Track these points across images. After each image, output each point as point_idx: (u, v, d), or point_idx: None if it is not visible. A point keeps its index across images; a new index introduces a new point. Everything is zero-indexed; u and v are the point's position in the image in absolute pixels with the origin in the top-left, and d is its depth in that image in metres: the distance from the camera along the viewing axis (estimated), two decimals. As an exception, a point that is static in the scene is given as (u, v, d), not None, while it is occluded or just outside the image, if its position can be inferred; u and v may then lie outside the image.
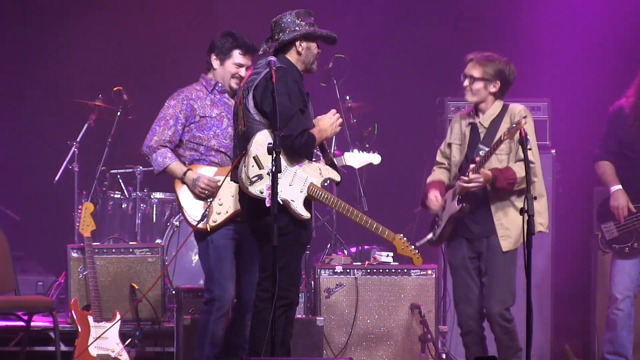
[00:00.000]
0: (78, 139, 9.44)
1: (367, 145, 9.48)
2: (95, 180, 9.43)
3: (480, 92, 6.84)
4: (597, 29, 9.46)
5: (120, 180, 9.63)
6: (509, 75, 6.83)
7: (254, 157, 6.29)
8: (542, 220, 6.74)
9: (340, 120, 6.51)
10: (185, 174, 6.92)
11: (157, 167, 7.03)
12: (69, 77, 10.18)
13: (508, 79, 6.83)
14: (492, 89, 6.82)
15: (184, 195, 6.92)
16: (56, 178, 9.45)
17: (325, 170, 6.43)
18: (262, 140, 6.26)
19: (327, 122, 6.44)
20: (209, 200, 6.85)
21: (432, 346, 7.89)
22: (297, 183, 6.32)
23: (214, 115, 6.97)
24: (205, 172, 6.92)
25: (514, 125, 6.45)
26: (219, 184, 6.75)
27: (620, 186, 7.53)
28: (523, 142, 6.06)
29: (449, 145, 7.00)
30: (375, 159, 6.93)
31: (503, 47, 9.46)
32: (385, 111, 9.84)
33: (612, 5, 9.53)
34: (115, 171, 9.64)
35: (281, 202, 6.18)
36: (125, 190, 9.58)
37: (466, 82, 6.85)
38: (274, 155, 5.93)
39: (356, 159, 6.89)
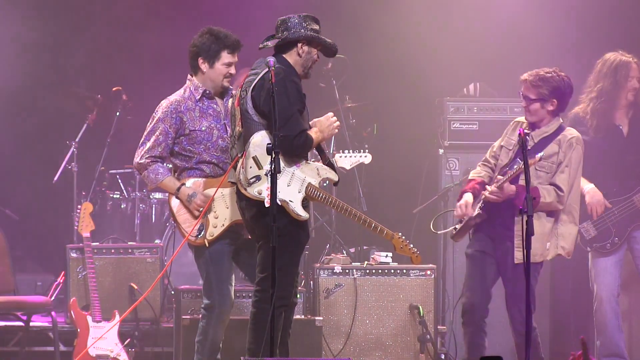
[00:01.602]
0: (77, 139, 9.44)
1: (366, 146, 9.50)
2: (94, 180, 9.43)
3: (539, 113, 6.84)
4: (598, 29, 9.45)
5: (120, 181, 9.63)
6: (564, 89, 6.81)
7: (253, 158, 6.28)
8: (563, 244, 6.83)
9: (338, 122, 6.51)
10: (179, 189, 6.84)
11: (150, 184, 6.94)
12: (70, 77, 10.18)
13: (565, 93, 6.82)
14: (550, 108, 6.82)
15: (179, 210, 6.86)
16: (55, 178, 9.45)
17: (323, 170, 6.44)
18: (260, 141, 6.26)
19: (325, 124, 6.44)
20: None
21: (431, 346, 7.90)
22: (295, 183, 6.32)
23: (203, 128, 6.84)
24: (195, 184, 6.86)
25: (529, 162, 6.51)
26: (212, 196, 6.71)
27: (592, 185, 7.54)
28: (523, 143, 6.06)
29: (501, 147, 7.02)
30: (365, 158, 6.91)
31: (504, 48, 9.51)
32: (384, 111, 9.84)
33: (613, 6, 9.52)
34: (115, 171, 9.64)
35: (279, 203, 6.18)
36: (124, 191, 9.58)
37: (524, 103, 6.86)
38: (273, 155, 5.91)
39: (347, 159, 6.87)
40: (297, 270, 6.47)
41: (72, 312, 7.96)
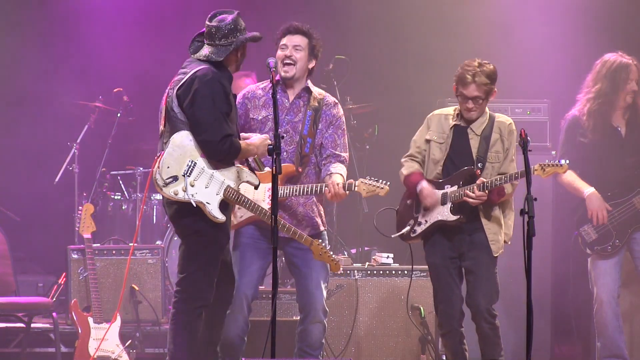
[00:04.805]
0: (78, 140, 9.45)
1: (367, 147, 9.50)
2: (95, 182, 9.45)
3: (484, 107, 6.75)
4: (598, 29, 9.46)
5: (121, 182, 9.64)
6: (496, 73, 6.69)
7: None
8: (507, 231, 6.75)
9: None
10: None
11: None
12: (70, 78, 10.18)
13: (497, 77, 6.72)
14: (491, 98, 6.74)
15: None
16: (56, 179, 9.46)
17: (244, 174, 6.39)
18: (179, 141, 6.23)
19: (261, 144, 6.39)
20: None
21: (432, 347, 7.89)
22: (213, 186, 6.27)
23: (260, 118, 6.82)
24: None
25: (552, 165, 6.47)
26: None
27: (593, 188, 7.52)
28: (524, 143, 6.03)
29: (428, 141, 6.87)
30: (382, 190, 6.77)
31: (503, 48, 9.52)
32: (385, 113, 9.84)
33: (612, 6, 9.53)
34: (116, 172, 9.65)
35: (194, 205, 6.18)
36: (125, 192, 9.58)
37: (470, 104, 6.67)
38: (274, 157, 5.92)
39: (365, 186, 6.76)
40: (216, 271, 6.37)
41: (73, 314, 7.96)
